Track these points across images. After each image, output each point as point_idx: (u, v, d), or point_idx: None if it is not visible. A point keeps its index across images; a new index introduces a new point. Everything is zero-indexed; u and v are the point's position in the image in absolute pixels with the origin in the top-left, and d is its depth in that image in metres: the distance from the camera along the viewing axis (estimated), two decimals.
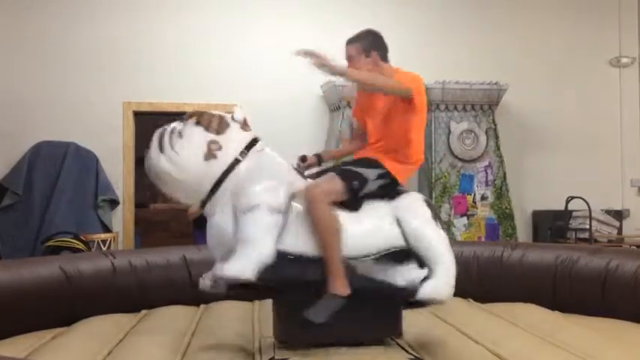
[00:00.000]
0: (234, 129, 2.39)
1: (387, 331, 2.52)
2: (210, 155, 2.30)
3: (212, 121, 2.35)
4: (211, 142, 2.32)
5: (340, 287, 2.27)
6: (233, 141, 2.36)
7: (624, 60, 5.95)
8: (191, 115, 2.39)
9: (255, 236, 2.21)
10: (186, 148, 2.30)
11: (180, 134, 2.32)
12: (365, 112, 2.71)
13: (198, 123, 2.35)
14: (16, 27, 5.19)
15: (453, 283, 2.43)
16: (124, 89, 5.27)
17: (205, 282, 2.48)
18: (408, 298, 2.42)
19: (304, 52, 2.38)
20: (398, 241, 2.39)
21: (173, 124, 2.37)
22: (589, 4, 5.95)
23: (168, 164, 2.29)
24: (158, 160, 2.30)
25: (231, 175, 2.32)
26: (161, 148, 2.30)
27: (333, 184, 2.38)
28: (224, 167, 2.32)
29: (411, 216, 2.43)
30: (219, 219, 2.32)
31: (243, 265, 2.18)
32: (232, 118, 2.41)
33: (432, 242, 2.41)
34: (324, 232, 2.27)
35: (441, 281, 2.38)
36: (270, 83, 5.38)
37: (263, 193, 2.27)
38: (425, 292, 2.35)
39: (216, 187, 2.32)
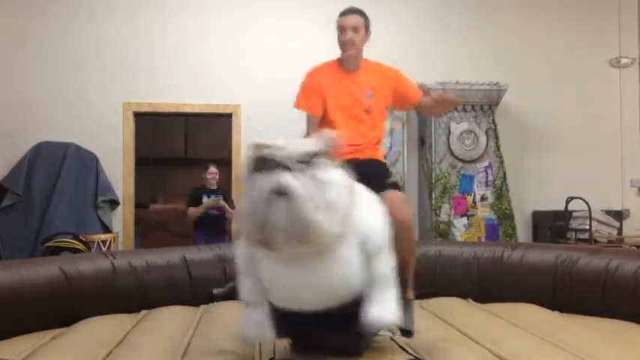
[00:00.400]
0: None
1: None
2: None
3: (334, 155, 1.92)
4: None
5: (411, 294, 2.46)
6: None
7: (624, 60, 5.94)
8: (310, 154, 1.83)
9: (391, 276, 2.07)
10: (348, 197, 1.88)
11: (326, 183, 1.81)
12: (347, 110, 2.54)
13: (329, 161, 1.88)
14: (16, 27, 5.19)
15: None
16: (124, 90, 5.28)
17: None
18: None
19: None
20: None
21: (299, 171, 1.78)
22: (589, 5, 5.95)
23: (340, 226, 1.84)
24: (333, 225, 1.80)
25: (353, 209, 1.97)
26: (330, 209, 1.78)
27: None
28: (351, 201, 1.95)
29: None
30: (346, 259, 1.97)
31: (395, 310, 2.05)
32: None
33: None
34: (412, 251, 2.40)
35: None
36: (270, 83, 5.38)
37: (384, 226, 2.09)
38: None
39: (348, 225, 1.93)
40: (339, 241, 1.92)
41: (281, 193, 1.76)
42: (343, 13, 2.58)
